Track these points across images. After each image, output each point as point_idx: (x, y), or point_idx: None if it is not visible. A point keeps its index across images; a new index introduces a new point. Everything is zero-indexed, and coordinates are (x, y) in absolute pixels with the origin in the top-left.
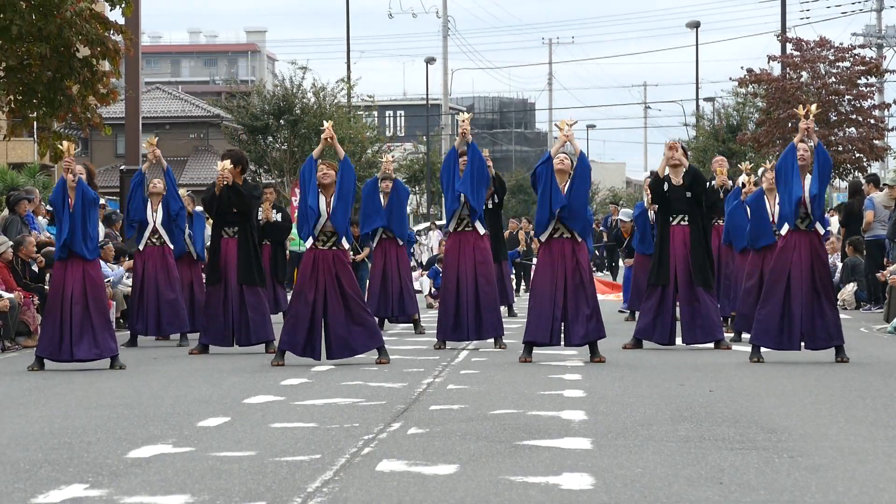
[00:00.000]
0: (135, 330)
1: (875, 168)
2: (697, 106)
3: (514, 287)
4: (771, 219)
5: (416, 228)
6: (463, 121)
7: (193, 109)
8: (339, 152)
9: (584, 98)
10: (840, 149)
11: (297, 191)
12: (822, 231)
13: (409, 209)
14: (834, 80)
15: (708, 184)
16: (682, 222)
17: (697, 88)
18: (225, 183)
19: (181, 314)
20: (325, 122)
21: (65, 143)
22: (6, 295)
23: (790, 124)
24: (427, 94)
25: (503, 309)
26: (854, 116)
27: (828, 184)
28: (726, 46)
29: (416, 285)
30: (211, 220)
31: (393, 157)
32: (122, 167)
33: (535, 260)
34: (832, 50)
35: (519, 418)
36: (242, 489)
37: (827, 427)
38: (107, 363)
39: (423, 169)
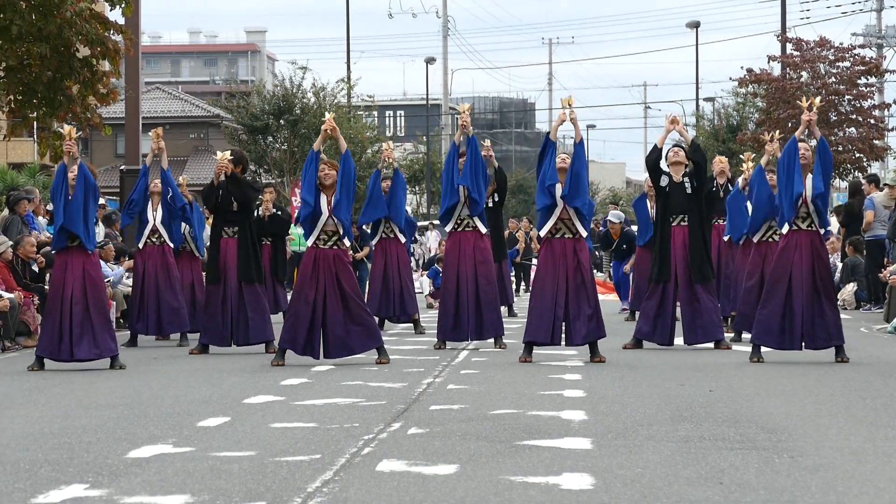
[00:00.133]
0: (135, 329)
1: (875, 168)
2: (697, 106)
3: (514, 287)
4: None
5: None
6: (463, 112)
7: (193, 109)
8: (342, 146)
9: (584, 98)
10: (840, 149)
11: (298, 190)
12: (822, 230)
13: (409, 209)
14: (834, 80)
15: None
16: (682, 223)
17: (697, 88)
18: (224, 174)
19: (181, 314)
20: (326, 113)
21: (65, 126)
22: (6, 295)
23: (790, 124)
24: (427, 94)
25: (503, 309)
26: (854, 116)
27: (830, 181)
28: (726, 46)
29: (416, 285)
30: (210, 220)
31: (391, 145)
32: (122, 167)
33: (534, 260)
34: (832, 50)
35: (519, 418)
36: (242, 489)
37: (827, 427)
38: (107, 363)
39: (423, 169)
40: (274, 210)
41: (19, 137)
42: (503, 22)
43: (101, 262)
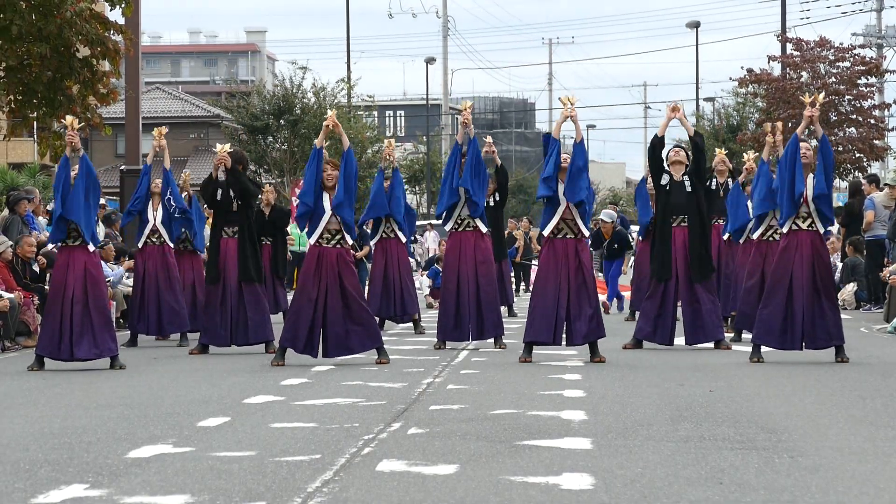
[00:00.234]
0: (135, 330)
1: (875, 168)
2: (697, 106)
3: (514, 287)
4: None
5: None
6: (465, 110)
7: (193, 109)
8: (345, 142)
9: (584, 98)
10: (840, 149)
11: (297, 190)
12: (822, 230)
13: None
14: (834, 80)
15: (708, 182)
16: (682, 223)
17: (697, 88)
18: (224, 167)
19: (181, 314)
20: (328, 111)
21: (68, 117)
22: (6, 295)
23: (790, 124)
24: (427, 94)
25: (503, 309)
26: (854, 116)
27: (832, 181)
28: (726, 46)
29: (416, 284)
30: (210, 219)
31: (392, 143)
32: (123, 167)
33: (534, 260)
34: (832, 50)
35: (519, 418)
36: (242, 489)
37: (827, 427)
38: (107, 363)
39: (423, 169)
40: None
41: (19, 137)
42: (503, 22)
43: (101, 263)
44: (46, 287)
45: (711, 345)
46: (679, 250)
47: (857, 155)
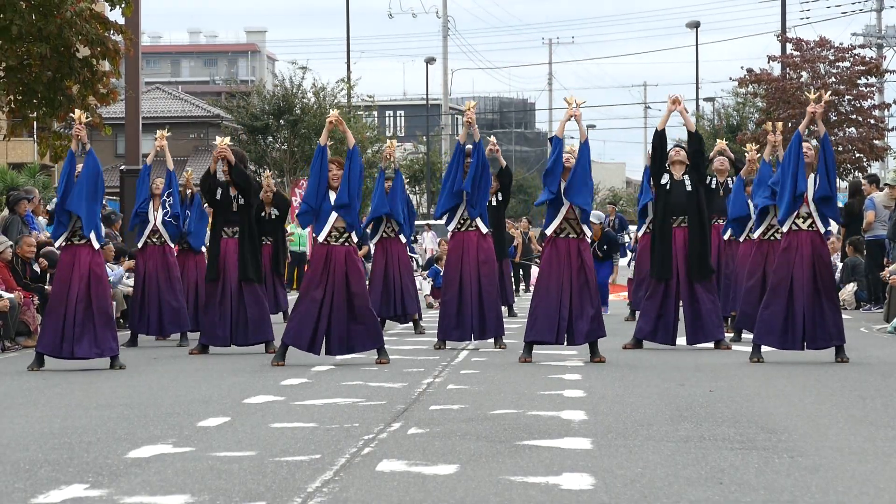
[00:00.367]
0: (136, 330)
1: (875, 168)
2: (697, 106)
3: (514, 287)
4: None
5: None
6: (468, 109)
7: (193, 109)
8: (350, 140)
9: (584, 98)
10: (840, 149)
11: (298, 191)
12: (822, 230)
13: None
14: (834, 80)
15: (708, 180)
16: (682, 224)
17: (697, 88)
18: (224, 167)
19: (182, 314)
20: (330, 111)
21: (76, 111)
22: (6, 295)
23: (790, 124)
24: (427, 94)
25: (503, 309)
26: (854, 116)
27: (835, 183)
28: (726, 46)
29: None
30: (211, 215)
31: (394, 144)
32: (123, 167)
33: (534, 260)
34: (832, 50)
35: (519, 418)
36: (242, 489)
37: (827, 427)
38: (107, 363)
39: (423, 169)
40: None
41: (19, 137)
42: (503, 22)
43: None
44: (46, 287)
45: (711, 345)
46: (679, 250)
47: (857, 155)
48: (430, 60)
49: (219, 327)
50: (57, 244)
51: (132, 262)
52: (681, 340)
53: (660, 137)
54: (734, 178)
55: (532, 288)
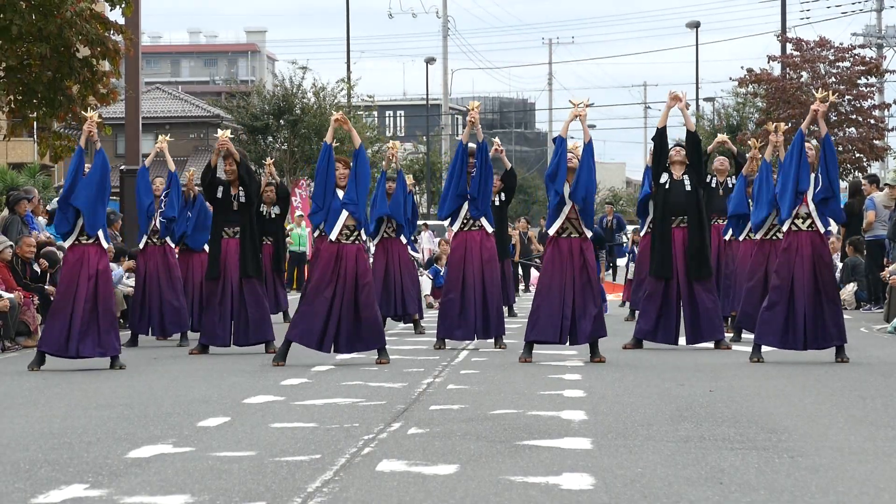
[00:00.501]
0: (136, 330)
1: (875, 168)
2: (697, 106)
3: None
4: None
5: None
6: (472, 109)
7: (193, 109)
8: (356, 140)
9: (588, 98)
10: (840, 149)
11: (298, 191)
12: (822, 230)
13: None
14: (834, 80)
15: (708, 179)
16: (681, 224)
17: (697, 88)
18: (223, 162)
19: (182, 314)
20: (334, 112)
21: (90, 111)
22: (6, 295)
23: (790, 124)
24: (427, 94)
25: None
26: (854, 116)
27: (838, 183)
28: (726, 46)
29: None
30: (212, 211)
31: (397, 145)
32: (122, 167)
33: (534, 260)
34: (832, 50)
35: (519, 418)
36: (242, 489)
37: (827, 427)
38: (107, 363)
39: (423, 169)
40: (277, 180)
41: (19, 137)
42: (503, 22)
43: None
44: (46, 287)
45: (711, 345)
46: (679, 250)
47: (857, 155)
48: (430, 60)
49: (219, 327)
50: (67, 243)
51: (132, 262)
52: (681, 340)
53: (660, 135)
54: (734, 177)
55: (532, 288)
